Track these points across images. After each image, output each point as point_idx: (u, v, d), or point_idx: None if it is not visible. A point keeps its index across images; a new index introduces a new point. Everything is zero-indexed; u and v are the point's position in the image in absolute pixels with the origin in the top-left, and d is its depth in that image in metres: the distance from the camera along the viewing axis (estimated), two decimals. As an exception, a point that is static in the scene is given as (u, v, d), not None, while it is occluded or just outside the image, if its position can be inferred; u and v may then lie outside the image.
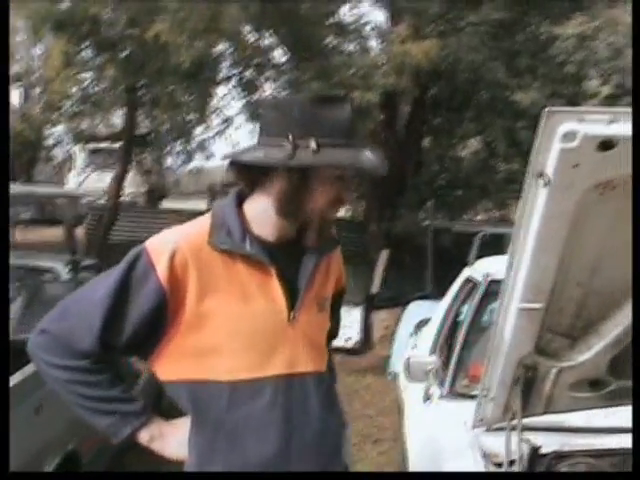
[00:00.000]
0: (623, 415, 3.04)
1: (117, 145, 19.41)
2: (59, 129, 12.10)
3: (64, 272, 5.90)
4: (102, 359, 1.97)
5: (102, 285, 1.93)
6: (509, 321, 2.43)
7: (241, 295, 1.92)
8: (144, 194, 22.56)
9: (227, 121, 13.25)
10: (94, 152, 21.58)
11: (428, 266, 10.75)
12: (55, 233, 14.16)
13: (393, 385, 5.98)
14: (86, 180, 19.59)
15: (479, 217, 15.90)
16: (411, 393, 4.31)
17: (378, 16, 12.09)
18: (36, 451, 3.68)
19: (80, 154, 21.97)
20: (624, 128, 1.83)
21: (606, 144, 1.86)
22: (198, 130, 15.50)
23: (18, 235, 13.47)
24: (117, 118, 14.48)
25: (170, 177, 26.62)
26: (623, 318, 2.50)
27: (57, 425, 3.96)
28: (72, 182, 22.02)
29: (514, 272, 2.28)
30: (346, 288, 2.26)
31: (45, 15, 8.67)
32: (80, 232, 16.16)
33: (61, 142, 14.04)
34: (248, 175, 1.95)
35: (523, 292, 2.32)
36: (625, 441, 2.96)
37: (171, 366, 1.96)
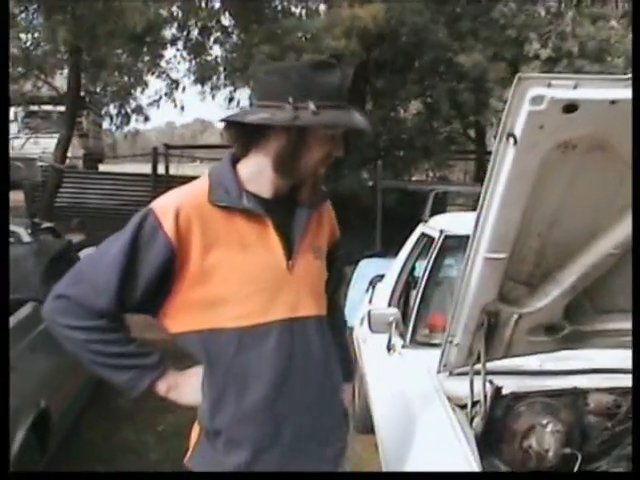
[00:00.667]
0: (574, 358, 3.31)
1: (53, 108, 19.18)
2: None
3: (25, 235, 5.95)
4: (118, 317, 2.09)
5: (113, 247, 2.04)
6: (475, 270, 2.60)
7: (241, 247, 2.05)
8: (82, 158, 22.28)
9: (173, 83, 13.22)
10: (28, 116, 21.19)
11: (376, 225, 10.98)
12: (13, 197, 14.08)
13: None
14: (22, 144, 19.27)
15: (414, 177, 16.20)
16: (372, 344, 4.49)
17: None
18: (13, 409, 3.77)
19: (15, 118, 21.54)
20: (586, 92, 2.02)
21: (570, 107, 2.03)
22: (137, 93, 15.49)
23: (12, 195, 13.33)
24: (58, 81, 14.29)
25: (107, 140, 26.37)
26: (578, 267, 2.70)
27: (29, 384, 4.05)
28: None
29: (481, 225, 2.45)
30: (338, 245, 2.40)
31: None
32: (20, 197, 16.08)
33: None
34: (244, 136, 2.08)
35: (489, 243, 2.49)
36: (576, 382, 3.23)
37: (181, 318, 2.09)
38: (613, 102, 2.02)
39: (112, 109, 17.13)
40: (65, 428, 4.76)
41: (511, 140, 2.15)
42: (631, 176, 2.30)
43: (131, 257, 2.01)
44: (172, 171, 17.50)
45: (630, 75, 2.01)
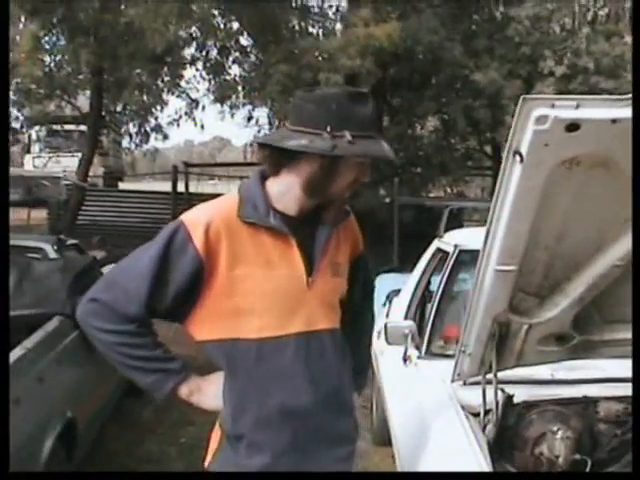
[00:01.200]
0: (584, 367, 3.41)
1: (76, 127, 19.45)
2: (23, 111, 12.12)
3: (51, 251, 6.10)
4: (146, 323, 2.22)
5: (145, 257, 2.17)
6: (486, 282, 2.70)
7: (266, 262, 2.18)
8: (102, 176, 22.52)
9: (193, 102, 13.41)
10: (50, 135, 21.46)
11: (393, 241, 11.08)
12: (36, 215, 14.30)
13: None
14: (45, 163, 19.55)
15: (432, 194, 16.24)
16: (389, 356, 4.59)
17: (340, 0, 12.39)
18: (42, 419, 3.85)
19: (36, 137, 21.83)
20: (588, 112, 2.14)
21: (572, 126, 2.15)
22: (157, 112, 15.71)
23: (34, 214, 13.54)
24: (80, 101, 14.55)
25: (127, 159, 26.64)
26: (585, 278, 2.80)
27: (58, 394, 4.17)
28: (28, 165, 21.90)
29: (491, 238, 2.56)
30: (364, 258, 2.52)
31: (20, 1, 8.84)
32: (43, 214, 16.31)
33: (26, 125, 14.03)
34: (278, 157, 2.19)
35: (499, 256, 2.59)
36: (586, 390, 3.33)
37: (205, 327, 2.22)
38: (614, 121, 2.13)
39: (132, 128, 17.43)
40: (90, 438, 4.85)
41: (517, 157, 2.26)
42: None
43: (161, 267, 2.13)
44: (192, 189, 17.68)
45: (630, 95, 2.13)
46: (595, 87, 11.20)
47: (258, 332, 2.18)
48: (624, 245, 2.67)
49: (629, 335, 3.10)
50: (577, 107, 2.12)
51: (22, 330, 4.40)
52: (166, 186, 18.07)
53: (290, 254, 2.21)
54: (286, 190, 2.22)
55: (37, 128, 19.26)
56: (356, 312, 2.55)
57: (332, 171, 2.16)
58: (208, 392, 2.28)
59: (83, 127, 19.86)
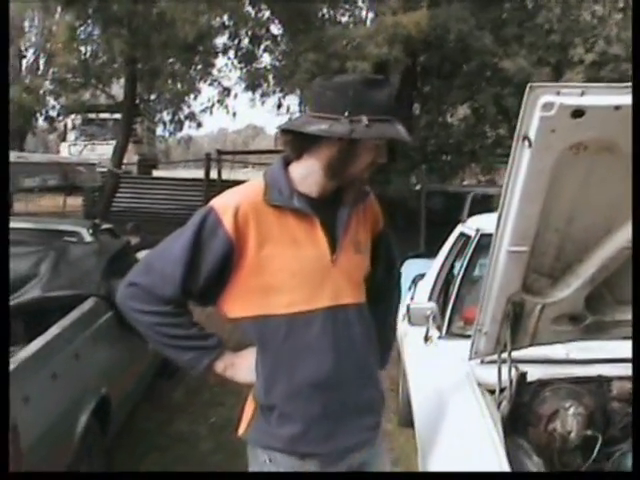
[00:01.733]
0: (599, 348, 3.50)
1: (111, 116, 19.72)
2: (60, 100, 12.34)
3: (87, 235, 6.28)
4: (182, 304, 2.38)
5: (178, 242, 2.32)
6: (500, 263, 2.82)
7: (292, 242, 2.31)
8: (137, 163, 22.79)
9: (225, 91, 13.55)
10: (85, 123, 21.74)
11: (420, 227, 11.17)
12: (72, 202, 14.58)
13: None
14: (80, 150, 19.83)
15: (465, 182, 16.26)
16: (411, 337, 4.70)
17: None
18: (77, 395, 4.00)
19: (72, 125, 22.11)
20: (592, 99, 2.24)
21: (577, 112, 2.25)
22: (190, 100, 15.88)
23: (44, 201, 13.81)
24: (114, 89, 14.78)
25: (161, 147, 26.90)
26: (595, 260, 2.90)
27: (93, 371, 4.33)
28: (64, 152, 22.21)
29: (503, 221, 2.67)
30: (385, 235, 2.62)
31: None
32: (78, 201, 16.58)
33: (62, 113, 14.28)
34: (299, 142, 2.32)
35: (511, 237, 2.71)
36: (600, 370, 3.43)
37: (238, 305, 2.36)
38: (617, 107, 2.23)
39: (165, 116, 17.62)
40: (123, 416, 5.02)
41: (526, 142, 2.38)
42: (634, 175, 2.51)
43: (194, 251, 2.28)
44: (224, 176, 17.87)
45: (631, 83, 2.23)
46: (625, 74, 11.15)
47: (287, 308, 2.31)
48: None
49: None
50: (582, 94, 2.23)
51: (58, 310, 4.59)
52: (199, 174, 18.28)
53: (314, 233, 2.34)
54: (308, 173, 2.35)
55: (73, 117, 19.51)
56: (380, 288, 2.65)
57: (351, 154, 2.28)
58: (241, 367, 2.42)
59: (117, 115, 20.20)
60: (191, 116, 17.08)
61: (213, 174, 17.47)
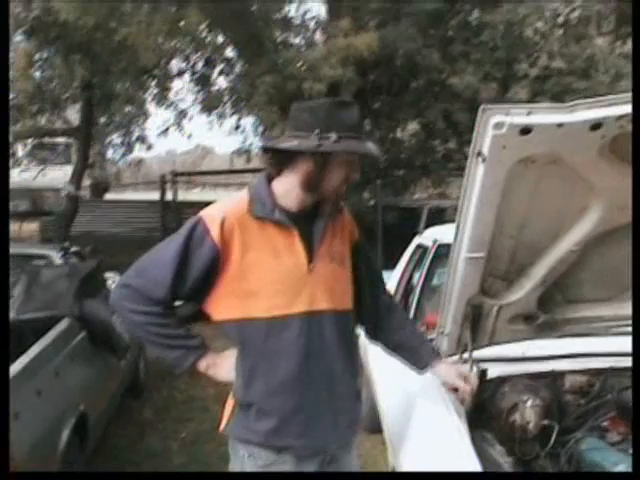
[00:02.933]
0: (552, 346, 3.76)
1: (66, 140, 19.64)
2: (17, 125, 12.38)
3: (57, 258, 6.41)
4: (171, 305, 2.59)
5: (169, 249, 2.54)
6: (459, 268, 3.04)
7: (272, 251, 2.54)
8: (89, 187, 22.65)
9: (182, 113, 13.72)
10: (37, 148, 21.56)
11: (377, 241, 11.41)
12: (26, 227, 14.55)
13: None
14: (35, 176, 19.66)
15: (416, 195, 16.52)
16: (375, 345, 4.90)
17: (320, 11, 12.77)
18: (59, 410, 4.16)
19: (21, 151, 21.88)
20: (538, 118, 2.50)
21: (525, 130, 2.50)
22: (142, 123, 15.99)
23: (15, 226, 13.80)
24: (68, 114, 14.87)
25: (111, 170, 26.78)
26: (546, 262, 3.16)
27: (72, 388, 4.49)
28: (17, 177, 22.00)
29: (461, 229, 2.90)
30: (362, 245, 2.84)
31: (18, 21, 9.20)
32: (35, 227, 16.52)
33: (19, 137, 14.28)
34: (278, 160, 2.57)
35: (469, 244, 2.94)
36: (554, 365, 3.68)
37: (221, 308, 2.58)
38: (560, 125, 2.49)
39: (116, 139, 17.71)
40: (99, 433, 5.15)
41: (480, 158, 2.63)
42: (587, 181, 2.79)
43: (183, 258, 2.50)
44: (179, 197, 17.94)
45: (574, 102, 2.50)
46: (568, 87, 11.56)
47: (266, 312, 2.53)
48: (579, 232, 3.04)
49: (589, 313, 3.49)
50: (528, 114, 2.49)
51: (33, 332, 4.72)
52: (150, 195, 18.33)
53: (293, 244, 2.56)
54: (288, 189, 2.58)
55: (22, 142, 19.38)
56: (373, 294, 2.86)
57: (324, 169, 2.51)
58: (223, 366, 2.64)
59: (68, 140, 20.12)
60: (142, 139, 17.23)
61: (167, 195, 17.55)
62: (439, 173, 14.71)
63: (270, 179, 2.62)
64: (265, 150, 2.65)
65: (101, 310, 5.23)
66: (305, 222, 2.60)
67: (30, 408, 3.74)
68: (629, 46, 9.77)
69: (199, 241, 2.51)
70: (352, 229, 2.81)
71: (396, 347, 2.98)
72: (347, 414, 2.71)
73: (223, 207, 2.60)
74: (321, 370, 2.61)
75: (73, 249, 7.01)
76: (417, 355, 2.95)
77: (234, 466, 2.70)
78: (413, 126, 15.72)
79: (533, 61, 11.73)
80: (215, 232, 2.49)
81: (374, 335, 2.99)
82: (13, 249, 6.66)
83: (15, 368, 3.75)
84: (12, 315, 4.97)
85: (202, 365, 2.63)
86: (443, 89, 12.63)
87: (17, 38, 9.98)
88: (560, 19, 11.60)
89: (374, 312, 2.88)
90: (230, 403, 2.68)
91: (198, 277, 2.53)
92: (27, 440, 3.60)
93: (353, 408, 2.75)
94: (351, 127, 2.49)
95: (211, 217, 2.53)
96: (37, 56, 9.83)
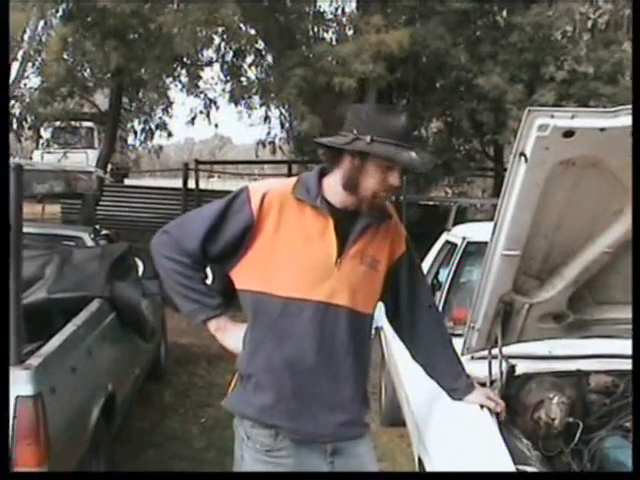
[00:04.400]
0: (578, 346, 3.83)
1: (92, 124, 19.83)
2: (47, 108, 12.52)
3: (89, 239, 6.52)
4: (200, 262, 2.70)
5: (211, 208, 2.67)
6: (494, 265, 3.12)
7: (305, 236, 2.61)
8: (110, 172, 22.80)
9: (211, 102, 13.84)
10: (57, 130, 21.72)
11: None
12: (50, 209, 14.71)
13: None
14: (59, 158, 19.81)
15: (433, 194, 16.53)
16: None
17: (352, 6, 12.83)
18: (91, 389, 4.24)
19: (45, 133, 22.06)
20: (581, 122, 2.57)
21: (568, 133, 2.58)
22: (170, 110, 16.12)
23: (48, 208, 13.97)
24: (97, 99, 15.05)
25: (131, 155, 26.97)
26: (578, 263, 3.24)
27: (102, 368, 4.57)
28: (37, 159, 22.14)
29: (499, 227, 2.98)
30: (407, 257, 2.80)
31: (55, 5, 9.35)
32: (57, 209, 16.68)
33: (49, 120, 14.46)
34: (329, 156, 2.65)
35: (505, 242, 3.01)
36: (579, 365, 3.75)
37: (245, 277, 2.66)
38: (602, 129, 2.56)
39: (137, 125, 17.87)
40: (124, 414, 5.22)
41: (522, 158, 2.70)
42: (623, 185, 2.85)
43: (220, 218, 2.62)
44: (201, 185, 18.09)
45: (617, 108, 2.57)
46: (594, 92, 11.54)
47: (285, 291, 2.60)
48: (612, 234, 3.11)
49: (617, 315, 3.55)
50: (572, 117, 2.57)
51: (63, 311, 4.80)
52: (168, 182, 18.47)
53: (326, 234, 2.62)
54: (333, 185, 2.65)
55: (46, 124, 19.55)
56: (412, 308, 2.85)
57: (361, 170, 2.55)
58: (232, 333, 2.73)
59: (89, 124, 20.28)
60: (162, 126, 17.37)
61: (188, 183, 17.69)
62: (461, 172, 14.73)
63: (324, 173, 2.69)
64: (320, 146, 2.72)
65: (131, 293, 5.32)
66: (345, 219, 2.64)
67: (65, 384, 3.81)
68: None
69: (239, 208, 2.62)
70: (399, 240, 2.81)
71: (431, 368, 3.03)
72: (346, 414, 2.72)
73: (270, 184, 2.72)
74: (326, 362, 2.65)
75: (103, 232, 7.12)
76: (453, 385, 3.04)
77: (235, 450, 2.76)
78: (437, 124, 15.76)
79: (560, 64, 11.71)
80: (255, 204, 2.59)
81: (410, 349, 3.03)
82: (45, 230, 6.84)
83: (53, 344, 3.83)
84: (44, 294, 5.05)
85: (212, 325, 2.72)
86: (469, 89, 12.62)
87: (53, 22, 10.16)
88: (589, 24, 11.61)
89: (411, 326, 2.90)
90: (234, 378, 2.77)
91: (229, 241, 2.62)
92: (62, 416, 3.65)
93: (353, 409, 2.75)
94: (392, 133, 2.50)
95: (255, 189, 2.64)
96: (70, 40, 9.91)
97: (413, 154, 2.52)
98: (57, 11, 9.80)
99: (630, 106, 2.55)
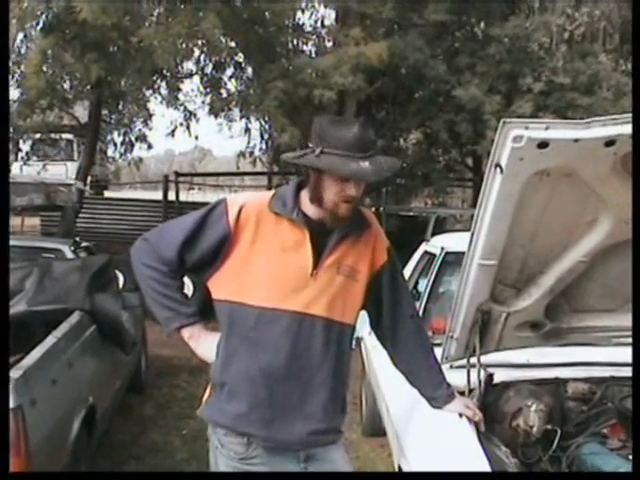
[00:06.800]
0: (556, 354, 3.87)
1: (70, 137, 19.72)
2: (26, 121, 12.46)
3: (69, 252, 6.51)
4: (176, 270, 2.74)
5: (190, 218, 2.73)
6: (471, 274, 3.15)
7: (281, 247, 2.65)
8: (90, 184, 22.67)
9: (191, 115, 13.85)
10: (36, 143, 21.58)
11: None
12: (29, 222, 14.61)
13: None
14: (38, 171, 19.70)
15: (412, 204, 16.59)
16: (380, 350, 4.98)
17: (331, 19, 12.91)
18: (71, 401, 4.25)
19: (24, 145, 21.92)
20: (555, 133, 2.61)
21: (543, 144, 2.62)
22: (149, 122, 16.10)
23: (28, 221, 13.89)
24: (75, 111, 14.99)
25: (111, 168, 26.88)
26: (554, 272, 3.27)
27: (82, 380, 4.58)
28: (16, 172, 22.00)
29: (476, 236, 3.01)
30: (389, 267, 2.82)
31: (34, 17, 9.36)
32: (37, 221, 16.59)
33: (27, 133, 14.40)
34: (302, 169, 2.73)
35: (482, 251, 3.04)
36: (557, 372, 3.79)
37: (221, 287, 2.70)
38: (576, 140, 2.61)
39: (117, 137, 17.84)
40: (104, 427, 5.23)
41: (498, 169, 2.74)
42: (597, 194, 2.90)
43: (198, 228, 2.68)
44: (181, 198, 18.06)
45: (590, 119, 2.62)
46: (571, 103, 11.66)
47: (260, 301, 2.64)
48: (587, 243, 3.16)
49: (594, 323, 3.60)
50: (547, 129, 2.61)
51: (43, 324, 4.80)
52: (148, 194, 18.42)
53: (302, 246, 2.66)
54: (306, 197, 2.69)
55: (25, 137, 19.43)
56: (394, 317, 2.88)
57: (319, 183, 2.60)
58: (205, 342, 2.77)
59: (69, 136, 20.15)
60: (143, 138, 17.34)
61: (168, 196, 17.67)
62: (440, 183, 14.80)
63: (302, 186, 2.72)
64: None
65: (111, 305, 5.33)
66: (322, 231, 2.68)
67: (46, 396, 3.81)
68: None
69: (216, 219, 2.67)
70: (381, 249, 2.82)
71: (413, 377, 3.07)
72: (319, 422, 2.73)
73: (248, 197, 2.78)
74: (300, 372, 2.68)
75: (84, 244, 7.11)
76: (434, 394, 3.06)
77: (210, 458, 2.79)
78: (416, 135, 15.83)
79: (537, 76, 11.83)
80: (232, 216, 2.65)
81: (392, 358, 3.05)
82: (25, 242, 6.82)
83: (33, 357, 3.84)
84: (24, 307, 5.04)
85: (186, 333, 2.75)
86: (447, 100, 12.69)
87: (33, 34, 10.15)
88: (565, 35, 11.74)
89: (393, 334, 2.92)
90: (207, 388, 2.80)
91: (206, 250, 2.67)
92: (42, 428, 3.67)
93: (327, 417, 2.76)
94: (342, 144, 2.49)
95: (233, 201, 2.70)
96: (50, 53, 9.91)
97: (364, 163, 2.50)
98: (37, 24, 9.82)
99: (604, 117, 2.61)
